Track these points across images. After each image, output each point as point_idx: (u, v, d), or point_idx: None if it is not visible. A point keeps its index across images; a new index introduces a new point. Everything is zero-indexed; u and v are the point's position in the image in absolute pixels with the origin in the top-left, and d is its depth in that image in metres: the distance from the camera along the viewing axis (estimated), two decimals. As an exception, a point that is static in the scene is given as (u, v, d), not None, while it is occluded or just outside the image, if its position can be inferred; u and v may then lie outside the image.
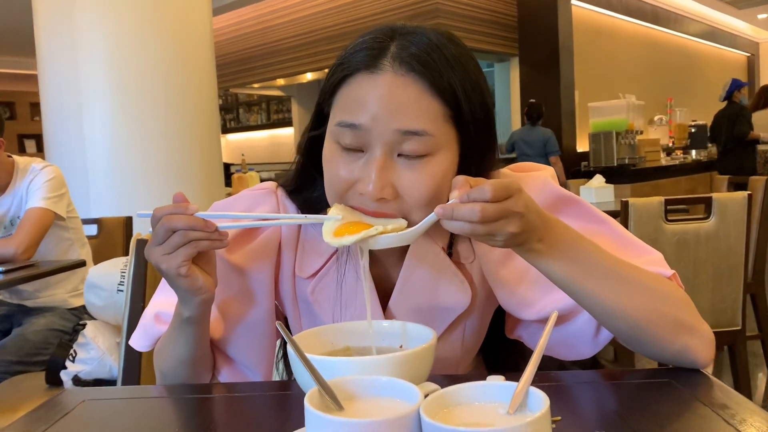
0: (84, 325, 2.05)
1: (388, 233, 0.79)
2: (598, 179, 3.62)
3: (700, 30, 11.54)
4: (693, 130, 8.74)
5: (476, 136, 0.87)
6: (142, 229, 1.88)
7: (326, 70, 1.00)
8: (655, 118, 9.22)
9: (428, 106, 0.83)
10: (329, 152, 0.87)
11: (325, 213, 0.85)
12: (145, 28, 3.55)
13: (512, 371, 1.14)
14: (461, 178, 0.74)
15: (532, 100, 6.55)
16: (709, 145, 8.26)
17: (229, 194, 3.13)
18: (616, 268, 0.81)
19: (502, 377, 0.61)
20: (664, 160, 7.82)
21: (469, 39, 6.93)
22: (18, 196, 2.53)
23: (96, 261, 2.60)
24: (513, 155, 6.40)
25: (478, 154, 0.89)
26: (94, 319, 2.08)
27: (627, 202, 2.33)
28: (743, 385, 2.48)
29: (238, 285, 0.97)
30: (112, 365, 1.97)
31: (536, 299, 0.91)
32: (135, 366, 1.68)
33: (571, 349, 0.92)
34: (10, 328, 2.52)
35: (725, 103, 6.93)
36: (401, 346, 0.81)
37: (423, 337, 0.77)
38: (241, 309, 0.98)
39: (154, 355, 1.02)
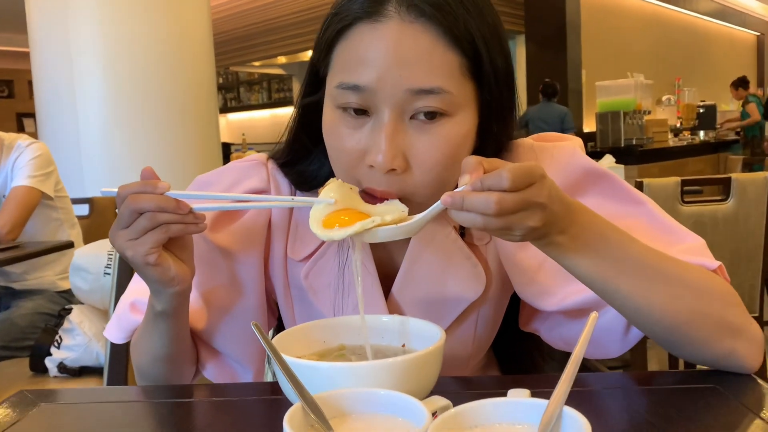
0: (70, 310, 1.95)
1: (388, 225, 0.67)
2: (608, 159, 3.50)
3: (709, 8, 11.38)
4: (701, 111, 8.62)
5: (498, 92, 0.75)
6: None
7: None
8: (663, 98, 9.10)
9: (443, 57, 0.71)
10: (330, 121, 0.76)
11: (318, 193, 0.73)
12: (139, 3, 3.45)
13: (528, 370, 1.06)
14: (473, 159, 0.62)
15: (547, 80, 6.43)
16: (717, 126, 8.14)
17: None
18: (651, 262, 0.70)
19: (526, 391, 0.50)
20: (671, 141, 7.72)
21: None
22: (3, 174, 2.43)
23: (87, 242, 2.50)
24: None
25: (499, 115, 0.77)
26: (82, 303, 1.98)
27: (642, 182, 2.22)
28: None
29: (223, 268, 0.86)
30: (99, 352, 1.88)
31: (558, 288, 0.80)
32: (122, 354, 1.58)
33: (596, 346, 0.81)
34: (-4, 311, 2.43)
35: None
36: (403, 345, 0.70)
37: (429, 335, 0.67)
38: (228, 296, 0.88)
39: (130, 349, 0.92)
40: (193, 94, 3.66)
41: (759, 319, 2.35)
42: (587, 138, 7.32)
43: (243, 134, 9.33)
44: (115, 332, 0.91)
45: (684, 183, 2.23)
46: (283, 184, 0.88)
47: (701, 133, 8.40)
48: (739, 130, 8.14)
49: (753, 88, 8.78)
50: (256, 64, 9.82)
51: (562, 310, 0.81)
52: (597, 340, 0.81)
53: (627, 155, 6.32)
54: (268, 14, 8.67)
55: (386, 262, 0.88)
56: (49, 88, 3.56)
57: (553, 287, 0.80)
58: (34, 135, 2.97)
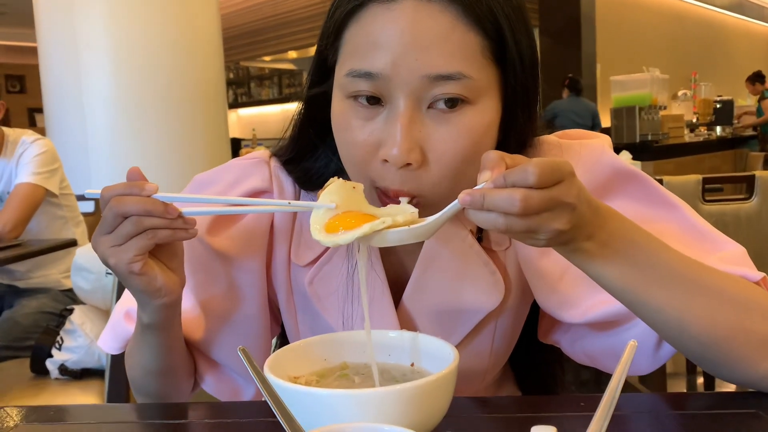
0: (71, 310, 1.90)
1: (399, 227, 0.59)
2: (626, 155, 3.41)
3: (727, 1, 11.21)
4: (718, 106, 8.49)
5: (523, 77, 0.69)
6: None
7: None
8: (679, 93, 8.96)
9: (463, 39, 0.64)
10: (339, 113, 0.69)
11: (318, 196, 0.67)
12: (146, -3, 3.42)
13: (547, 383, 0.99)
14: (495, 154, 0.56)
15: (570, 75, 6.34)
16: (736, 121, 8.02)
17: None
18: (686, 271, 0.64)
19: (552, 429, 0.43)
20: (687, 137, 7.59)
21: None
22: (7, 170, 2.40)
23: (92, 240, 2.45)
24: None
25: (524, 104, 0.71)
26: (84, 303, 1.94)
27: (661, 180, 2.14)
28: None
29: (222, 275, 0.81)
30: (101, 354, 1.83)
31: (582, 298, 0.73)
32: (123, 360, 1.53)
33: (624, 363, 0.74)
34: (0, 310, 2.39)
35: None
36: (412, 364, 0.64)
37: (440, 353, 0.60)
38: (227, 303, 0.82)
39: (125, 361, 0.87)
40: (202, 89, 3.62)
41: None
42: (602, 133, 7.24)
43: (253, 129, 9.30)
44: (110, 342, 0.86)
45: (705, 181, 2.15)
46: (287, 182, 0.82)
47: (718, 129, 8.27)
48: (756, 126, 8.02)
49: (770, 82, 8.64)
50: (267, 59, 9.81)
51: (587, 323, 0.74)
52: (625, 356, 0.74)
53: (642, 151, 6.22)
54: (279, 8, 8.63)
55: (397, 268, 0.82)
56: (57, 83, 3.53)
57: (576, 297, 0.74)
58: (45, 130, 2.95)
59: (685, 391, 1.68)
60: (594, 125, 6.10)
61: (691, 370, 1.88)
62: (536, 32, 7.48)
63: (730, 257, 0.70)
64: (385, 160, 0.66)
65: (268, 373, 0.55)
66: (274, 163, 0.84)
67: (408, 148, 0.65)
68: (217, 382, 0.86)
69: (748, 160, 4.67)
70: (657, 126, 6.78)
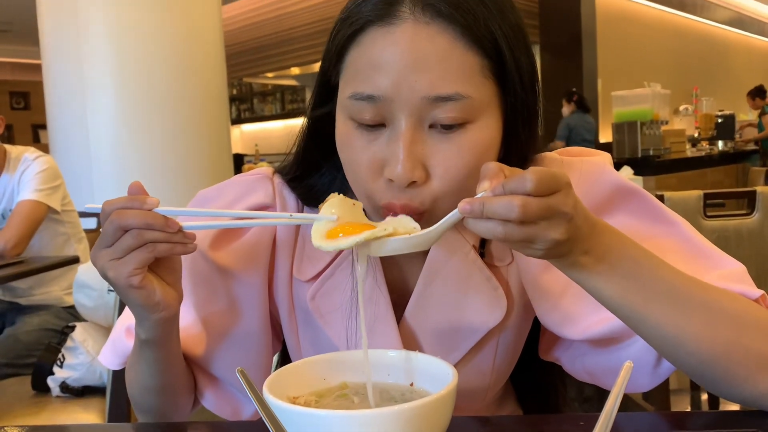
0: (73, 327, 1.90)
1: (399, 235, 0.61)
2: (627, 171, 3.43)
3: (727, 17, 11.27)
4: (719, 121, 8.49)
5: (523, 93, 0.70)
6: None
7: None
8: (681, 107, 8.99)
9: (462, 60, 0.65)
10: (344, 134, 0.70)
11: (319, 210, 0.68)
12: (150, 15, 3.44)
13: (548, 400, 0.98)
14: (494, 164, 0.57)
15: (573, 89, 6.36)
16: (737, 136, 8.02)
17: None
18: (684, 288, 0.64)
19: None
20: (689, 152, 7.60)
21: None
22: (9, 187, 2.40)
23: (95, 257, 2.45)
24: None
25: (525, 119, 0.72)
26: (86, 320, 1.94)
27: (663, 195, 2.14)
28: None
29: (224, 290, 0.81)
30: (103, 371, 1.83)
31: (583, 314, 0.74)
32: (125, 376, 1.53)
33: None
34: (2, 327, 2.39)
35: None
36: (411, 384, 0.64)
37: (439, 373, 0.60)
38: (229, 319, 0.82)
39: (125, 377, 0.87)
40: (205, 105, 3.64)
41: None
42: (603, 149, 7.19)
43: (256, 145, 9.34)
44: (111, 357, 0.86)
45: (707, 196, 2.15)
46: (290, 198, 0.83)
47: (720, 143, 8.27)
48: (757, 141, 8.02)
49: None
50: (270, 75, 9.85)
51: (587, 339, 0.74)
52: (625, 374, 0.74)
53: (644, 166, 6.22)
54: (282, 25, 8.69)
55: (399, 283, 0.82)
56: (61, 99, 3.55)
57: (577, 314, 0.74)
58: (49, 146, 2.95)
59: (688, 408, 1.67)
60: (594, 141, 6.15)
61: (695, 386, 1.86)
62: (537, 48, 7.52)
63: (729, 275, 0.70)
64: (391, 180, 0.67)
65: (267, 394, 0.55)
66: (278, 180, 0.85)
67: (411, 167, 0.65)
68: (218, 398, 0.86)
69: (749, 175, 4.66)
70: (659, 141, 6.78)
